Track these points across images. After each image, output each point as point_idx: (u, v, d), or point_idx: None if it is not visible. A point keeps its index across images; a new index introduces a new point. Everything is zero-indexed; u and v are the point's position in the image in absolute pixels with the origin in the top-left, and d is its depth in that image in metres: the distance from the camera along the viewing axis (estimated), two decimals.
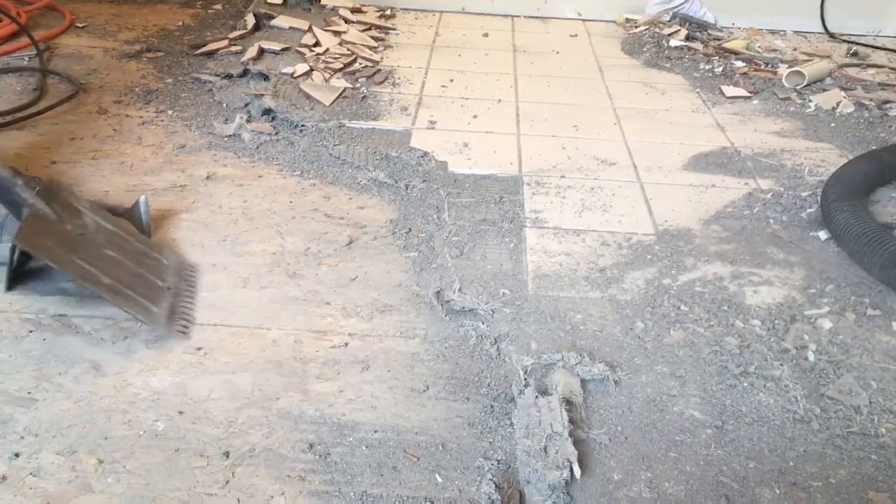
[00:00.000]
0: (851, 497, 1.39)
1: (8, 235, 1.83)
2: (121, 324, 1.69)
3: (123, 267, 1.76)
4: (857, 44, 3.93)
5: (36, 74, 2.92)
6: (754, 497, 1.38)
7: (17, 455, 1.36)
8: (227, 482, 1.34)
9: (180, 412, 1.48)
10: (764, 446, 1.49)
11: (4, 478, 1.31)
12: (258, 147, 2.51)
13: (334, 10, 3.81)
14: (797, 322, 1.83)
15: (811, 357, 1.71)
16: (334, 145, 2.54)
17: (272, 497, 1.31)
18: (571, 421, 1.47)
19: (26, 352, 1.60)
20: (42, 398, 1.48)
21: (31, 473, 1.32)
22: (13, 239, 1.71)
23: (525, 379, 1.60)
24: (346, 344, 1.69)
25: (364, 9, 3.99)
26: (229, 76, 2.99)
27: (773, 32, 4.12)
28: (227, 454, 1.39)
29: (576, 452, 1.39)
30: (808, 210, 2.32)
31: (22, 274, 1.80)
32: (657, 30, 3.91)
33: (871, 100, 3.18)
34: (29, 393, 1.50)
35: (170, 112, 2.73)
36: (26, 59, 3.08)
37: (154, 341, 1.65)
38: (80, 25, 3.52)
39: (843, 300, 1.92)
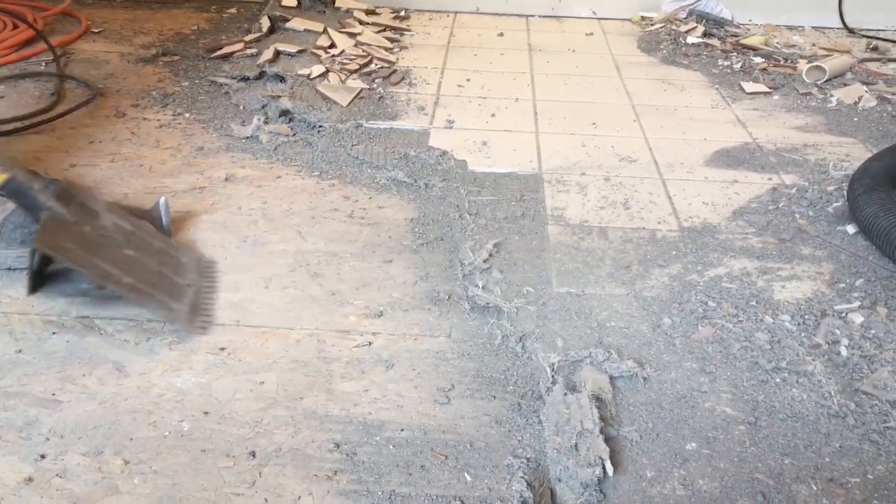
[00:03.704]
0: (890, 492, 1.36)
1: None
2: (144, 325, 1.68)
3: (143, 266, 1.76)
4: (877, 38, 3.88)
5: (53, 79, 2.92)
6: (791, 493, 1.35)
7: (42, 456, 1.34)
8: (254, 482, 1.32)
9: (205, 412, 1.46)
10: (799, 442, 1.46)
11: (31, 479, 1.30)
12: (276, 148, 2.50)
13: (349, 11, 3.80)
14: (828, 317, 1.79)
15: (843, 352, 1.68)
16: (352, 145, 2.53)
17: (300, 497, 1.30)
18: (601, 418, 1.45)
19: (50, 353, 1.59)
20: (66, 400, 1.47)
21: (57, 475, 1.31)
22: (33, 243, 1.71)
23: (552, 376, 1.57)
24: (370, 343, 1.68)
25: (378, 10, 3.98)
26: (245, 78, 2.98)
27: (790, 28, 4.08)
28: (253, 454, 1.37)
29: (607, 449, 1.36)
30: (835, 204, 2.28)
31: (43, 277, 1.79)
32: (674, 27, 3.88)
33: (893, 94, 3.14)
34: (53, 395, 1.48)
35: (187, 115, 2.72)
36: (43, 64, 3.09)
37: (177, 342, 1.64)
38: (96, 31, 3.53)
39: (873, 294, 1.88)
